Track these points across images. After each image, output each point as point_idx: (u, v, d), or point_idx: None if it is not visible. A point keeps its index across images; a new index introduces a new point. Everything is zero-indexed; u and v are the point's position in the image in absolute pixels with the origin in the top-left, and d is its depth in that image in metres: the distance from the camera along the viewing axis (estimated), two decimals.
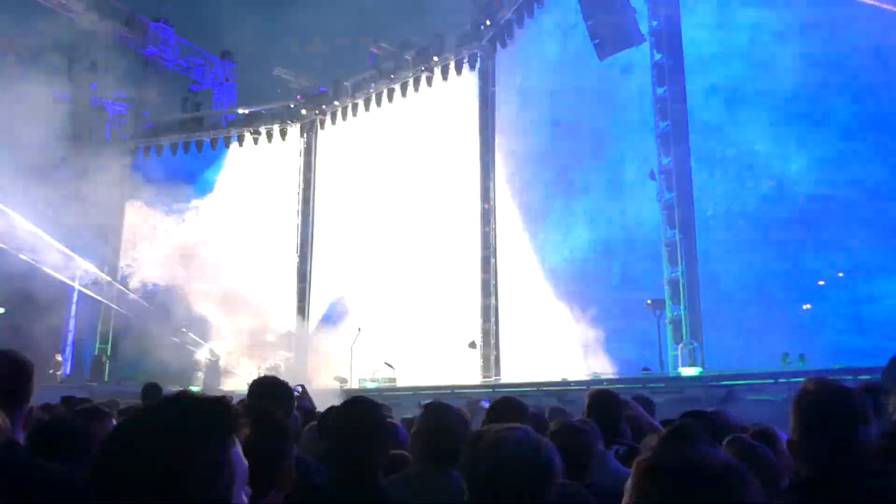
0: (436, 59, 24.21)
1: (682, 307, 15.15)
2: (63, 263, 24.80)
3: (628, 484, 1.52)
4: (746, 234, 15.05)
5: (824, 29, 14.46)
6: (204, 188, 28.40)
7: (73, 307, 27.98)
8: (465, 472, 2.22)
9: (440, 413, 3.31)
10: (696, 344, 14.78)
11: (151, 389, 6.55)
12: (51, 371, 24.33)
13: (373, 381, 20.84)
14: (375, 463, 2.93)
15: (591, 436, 3.58)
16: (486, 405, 4.89)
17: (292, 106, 27.82)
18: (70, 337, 27.80)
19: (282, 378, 4.04)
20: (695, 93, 16.20)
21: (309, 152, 28.03)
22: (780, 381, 11.79)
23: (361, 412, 3.05)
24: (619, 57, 16.94)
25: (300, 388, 5.94)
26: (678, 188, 15.74)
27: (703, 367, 14.51)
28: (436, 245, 23.50)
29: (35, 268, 23.23)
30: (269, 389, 3.72)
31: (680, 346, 14.95)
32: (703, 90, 16.15)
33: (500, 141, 22.31)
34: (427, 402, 3.78)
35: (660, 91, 16.49)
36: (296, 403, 5.24)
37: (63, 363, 26.05)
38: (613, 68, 17.69)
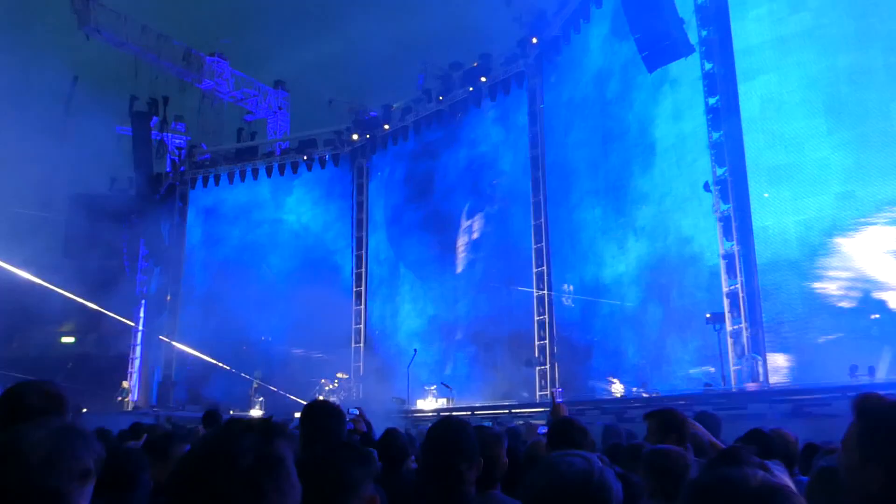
0: (483, 79, 24.35)
1: (742, 320, 14.77)
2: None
3: None
4: (807, 243, 14.62)
5: (882, 33, 14.05)
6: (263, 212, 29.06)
7: (139, 335, 28.85)
8: (522, 498, 2.22)
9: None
10: (758, 358, 14.37)
11: (211, 416, 6.71)
12: (119, 398, 25.11)
13: (430, 402, 20.86)
14: (465, 476, 3.10)
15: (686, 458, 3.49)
16: (543, 431, 4.84)
17: (344, 131, 28.28)
18: (136, 364, 28.62)
19: (338, 401, 4.11)
20: (749, 101, 15.88)
21: (361, 175, 28.41)
22: (849, 395, 11.36)
23: (449, 428, 3.26)
24: (669, 68, 16.76)
25: (356, 411, 5.96)
26: (734, 199, 15.42)
27: (766, 381, 14.09)
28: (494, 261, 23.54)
29: (103, 297, 24.09)
30: (321, 414, 3.78)
31: (742, 360, 14.55)
32: (758, 98, 15.81)
33: (550, 155, 22.24)
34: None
35: (711, 101, 16.23)
36: (352, 427, 5.30)
37: (130, 390, 26.83)
38: (663, 79, 17.51)
